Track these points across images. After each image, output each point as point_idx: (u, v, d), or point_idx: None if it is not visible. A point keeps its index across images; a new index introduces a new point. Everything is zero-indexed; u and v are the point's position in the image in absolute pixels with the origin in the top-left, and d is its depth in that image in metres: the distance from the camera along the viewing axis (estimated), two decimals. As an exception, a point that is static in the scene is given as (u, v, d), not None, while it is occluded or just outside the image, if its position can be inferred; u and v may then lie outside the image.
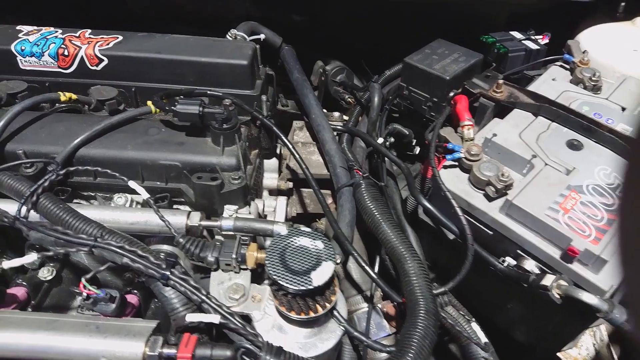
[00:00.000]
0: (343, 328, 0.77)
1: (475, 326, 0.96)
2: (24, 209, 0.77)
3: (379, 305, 1.02)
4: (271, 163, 1.20)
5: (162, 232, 0.84)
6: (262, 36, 1.31)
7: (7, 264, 0.70)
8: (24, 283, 0.82)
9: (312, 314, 0.71)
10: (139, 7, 1.42)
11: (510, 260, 0.91)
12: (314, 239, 0.73)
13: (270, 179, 1.19)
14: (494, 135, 0.96)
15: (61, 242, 0.71)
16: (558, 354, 1.15)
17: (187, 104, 0.92)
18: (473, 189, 0.93)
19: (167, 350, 0.66)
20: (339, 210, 1.01)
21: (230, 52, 1.11)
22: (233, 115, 0.95)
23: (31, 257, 0.70)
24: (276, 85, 1.27)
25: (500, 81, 1.06)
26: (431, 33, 1.30)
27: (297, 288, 0.67)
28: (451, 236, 1.02)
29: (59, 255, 0.70)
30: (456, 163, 0.98)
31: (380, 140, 1.18)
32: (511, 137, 0.96)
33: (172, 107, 0.92)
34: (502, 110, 1.08)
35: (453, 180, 0.95)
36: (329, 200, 1.24)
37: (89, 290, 0.71)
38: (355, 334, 0.77)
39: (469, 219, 0.93)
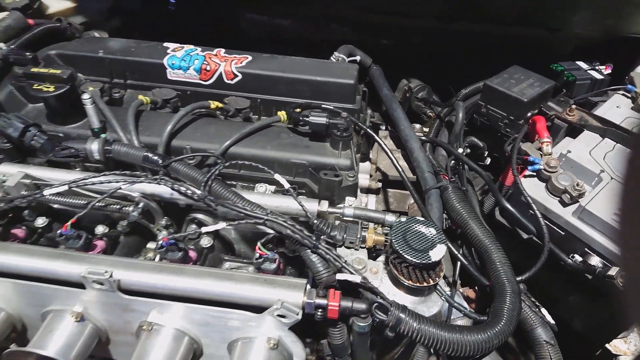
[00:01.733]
0: (444, 299, 0.98)
1: (544, 311, 1.14)
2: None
3: (461, 290, 1.21)
4: (365, 165, 1.42)
5: (299, 214, 1.07)
6: (357, 58, 1.54)
7: (205, 229, 0.94)
8: (192, 247, 1.06)
9: (425, 284, 0.92)
10: (254, 32, 1.68)
11: (577, 257, 1.09)
12: (427, 227, 0.94)
13: (363, 179, 1.41)
14: (569, 151, 1.15)
15: (241, 215, 0.94)
16: (606, 345, 1.31)
17: (318, 116, 1.15)
18: (550, 196, 1.12)
19: (319, 300, 0.88)
20: (429, 208, 1.21)
21: (340, 73, 1.35)
22: (349, 126, 1.18)
23: (222, 225, 0.94)
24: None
25: (573, 106, 1.24)
26: (505, 59, 1.49)
27: (418, 261, 0.87)
28: (525, 236, 1.21)
29: (239, 225, 0.94)
30: (534, 173, 1.17)
31: (460, 150, 1.38)
32: (582, 155, 1.15)
33: (305, 118, 1.16)
34: (572, 130, 1.26)
35: (532, 187, 1.14)
36: (410, 201, 1.45)
37: (263, 251, 0.94)
38: (455, 304, 0.98)
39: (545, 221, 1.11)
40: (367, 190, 1.43)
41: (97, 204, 1.00)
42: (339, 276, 0.88)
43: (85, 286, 0.89)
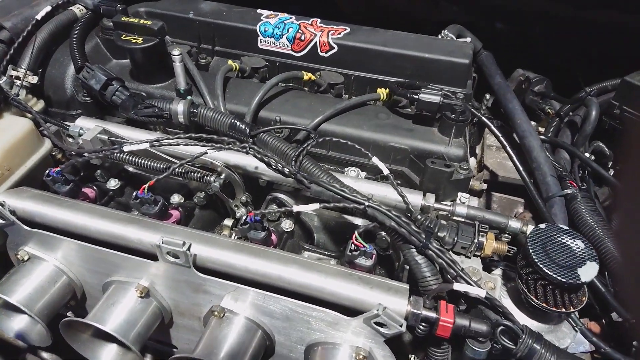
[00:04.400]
0: (577, 331, 0.77)
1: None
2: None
3: (581, 321, 0.99)
4: (469, 162, 1.22)
5: (398, 206, 0.90)
6: (468, 39, 1.35)
7: (297, 208, 0.80)
8: (273, 229, 0.93)
9: (562, 309, 0.72)
10: (348, 8, 1.53)
11: None
12: (573, 238, 0.74)
13: (464, 177, 1.22)
14: None
15: (337, 198, 0.79)
16: None
17: (430, 94, 0.98)
18: None
19: (427, 312, 0.71)
20: (553, 220, 1.01)
21: (452, 50, 1.16)
22: (467, 109, 0.99)
23: (315, 206, 0.79)
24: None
25: None
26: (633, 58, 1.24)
27: (564, 280, 0.68)
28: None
29: (335, 208, 0.79)
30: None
31: (586, 155, 1.15)
32: None
33: (414, 95, 0.99)
34: None
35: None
36: (519, 209, 1.24)
37: (360, 243, 0.79)
38: (594, 339, 0.77)
39: None
40: (469, 192, 1.23)
41: (178, 169, 0.89)
42: (458, 287, 0.70)
43: (157, 257, 0.78)
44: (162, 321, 0.88)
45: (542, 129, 1.33)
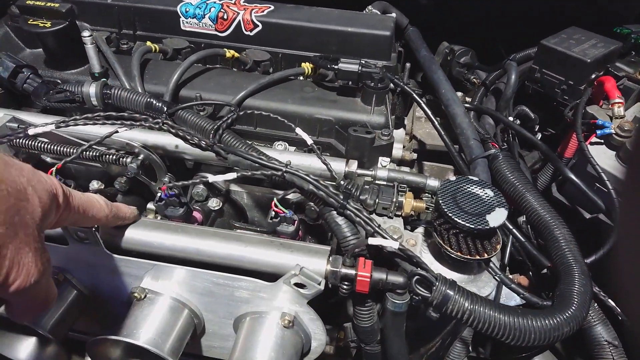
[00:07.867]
0: (497, 279, 0.80)
1: (611, 303, 0.95)
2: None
3: (510, 277, 1.03)
4: (399, 133, 1.24)
5: (323, 175, 0.90)
6: (393, 15, 1.37)
7: (213, 178, 0.79)
8: (198, 209, 0.91)
9: (477, 257, 0.74)
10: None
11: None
12: (483, 187, 0.76)
13: (396, 148, 1.23)
14: (647, 114, 0.96)
15: (255, 166, 0.79)
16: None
17: (348, 63, 0.99)
18: (623, 166, 0.93)
19: (346, 270, 0.72)
20: (475, 179, 1.04)
21: (374, 24, 1.18)
22: (386, 77, 1.01)
23: (232, 175, 0.78)
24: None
25: (649, 65, 1.05)
26: (560, 24, 1.30)
27: (473, 227, 0.70)
28: (588, 215, 1.02)
29: (253, 176, 0.78)
30: (601, 140, 0.98)
31: (510, 119, 1.20)
32: (665, 118, 0.96)
33: (333, 66, 1.00)
34: (646, 94, 1.07)
35: (600, 156, 0.96)
36: (450, 176, 1.27)
37: (280, 209, 0.78)
38: (513, 286, 0.80)
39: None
40: (400, 162, 1.25)
41: (89, 151, 0.86)
42: (372, 241, 0.71)
43: (66, 240, 0.75)
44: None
45: (469, 99, 1.37)
